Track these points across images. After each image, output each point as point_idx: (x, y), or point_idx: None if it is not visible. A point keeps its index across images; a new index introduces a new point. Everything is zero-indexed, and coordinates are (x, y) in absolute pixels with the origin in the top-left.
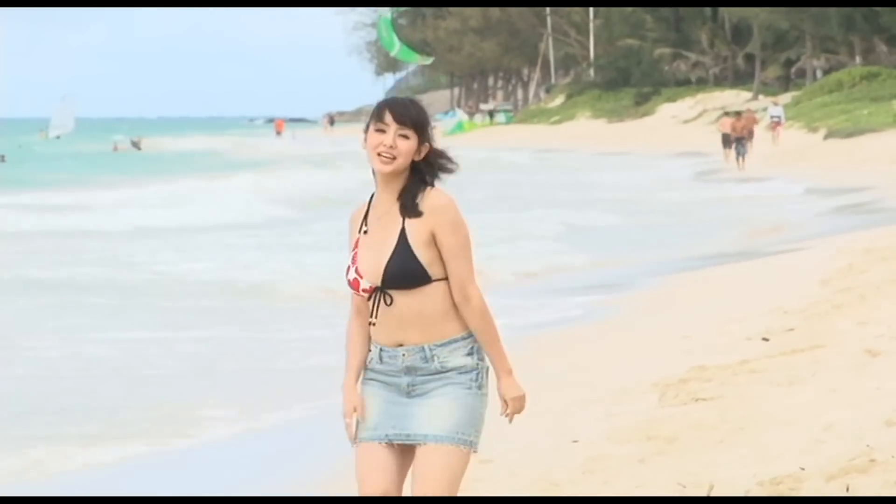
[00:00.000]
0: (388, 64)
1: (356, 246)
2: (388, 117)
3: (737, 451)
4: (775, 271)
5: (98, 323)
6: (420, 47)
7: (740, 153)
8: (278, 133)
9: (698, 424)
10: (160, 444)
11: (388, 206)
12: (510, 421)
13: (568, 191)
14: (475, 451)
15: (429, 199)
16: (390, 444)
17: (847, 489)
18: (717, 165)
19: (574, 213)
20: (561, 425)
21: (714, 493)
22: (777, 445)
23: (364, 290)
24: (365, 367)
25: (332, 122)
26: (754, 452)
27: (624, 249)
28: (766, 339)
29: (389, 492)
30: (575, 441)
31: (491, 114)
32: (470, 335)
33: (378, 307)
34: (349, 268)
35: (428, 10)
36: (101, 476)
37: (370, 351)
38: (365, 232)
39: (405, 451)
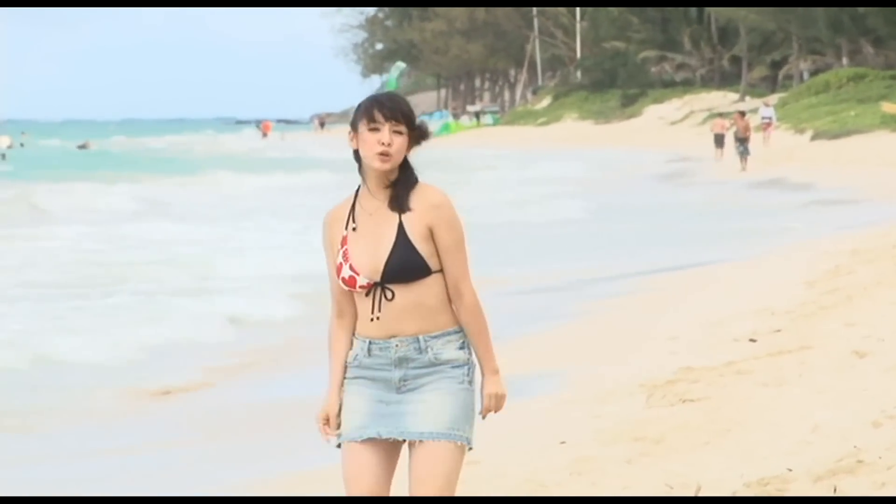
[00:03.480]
0: (374, 66)
1: (344, 243)
2: (380, 115)
3: (724, 451)
4: (762, 273)
5: None
6: (407, 48)
7: (742, 154)
8: (265, 135)
9: (685, 425)
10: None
11: (379, 202)
12: (483, 418)
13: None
14: (471, 448)
15: (425, 196)
16: (376, 443)
17: (834, 490)
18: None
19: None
20: (548, 426)
21: (701, 494)
22: (764, 446)
23: (361, 287)
24: (346, 365)
25: (322, 124)
26: (741, 453)
27: (607, 249)
28: (753, 341)
29: (377, 492)
30: (562, 442)
31: (478, 115)
32: (461, 329)
33: (379, 303)
34: (341, 265)
35: (414, 12)
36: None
37: (352, 348)
38: (354, 229)
39: (391, 450)
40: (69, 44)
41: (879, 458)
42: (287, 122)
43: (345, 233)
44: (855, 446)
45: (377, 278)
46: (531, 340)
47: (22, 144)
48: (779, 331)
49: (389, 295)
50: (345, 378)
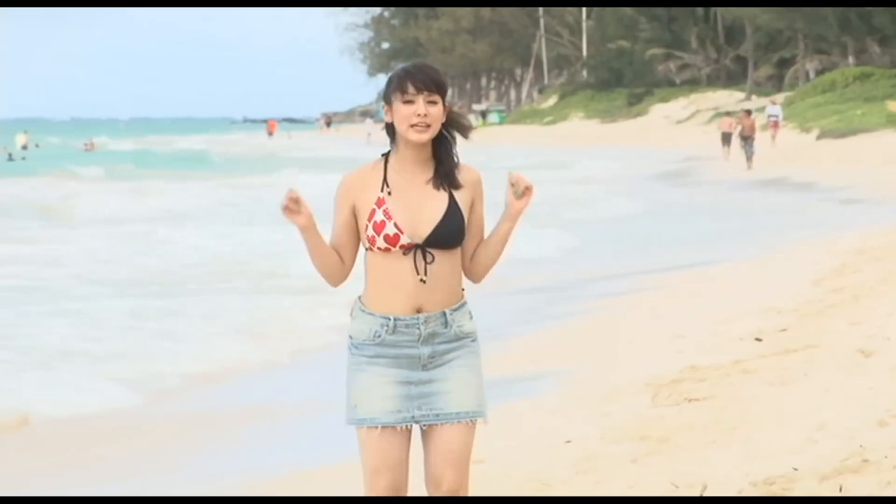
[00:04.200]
0: (380, 64)
1: (381, 203)
2: (412, 87)
3: (730, 451)
4: (768, 271)
5: None
6: (413, 47)
7: (748, 153)
8: (270, 134)
9: (691, 424)
10: None
11: (418, 171)
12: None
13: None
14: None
15: (468, 173)
16: (405, 429)
17: (840, 489)
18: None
19: (560, 211)
20: (553, 425)
21: (707, 493)
22: (770, 445)
23: (402, 246)
24: (361, 345)
25: (328, 122)
26: (747, 452)
27: (613, 248)
28: (758, 339)
29: (399, 490)
30: (567, 441)
31: (483, 114)
32: (466, 301)
33: (424, 264)
34: (384, 223)
35: (420, 11)
36: None
37: (374, 323)
38: (389, 193)
39: (409, 432)
40: (77, 43)
41: (885, 457)
42: (293, 121)
43: (381, 195)
44: (861, 445)
45: (419, 240)
46: (536, 339)
47: (37, 145)
48: (784, 330)
49: (431, 258)
50: (359, 357)
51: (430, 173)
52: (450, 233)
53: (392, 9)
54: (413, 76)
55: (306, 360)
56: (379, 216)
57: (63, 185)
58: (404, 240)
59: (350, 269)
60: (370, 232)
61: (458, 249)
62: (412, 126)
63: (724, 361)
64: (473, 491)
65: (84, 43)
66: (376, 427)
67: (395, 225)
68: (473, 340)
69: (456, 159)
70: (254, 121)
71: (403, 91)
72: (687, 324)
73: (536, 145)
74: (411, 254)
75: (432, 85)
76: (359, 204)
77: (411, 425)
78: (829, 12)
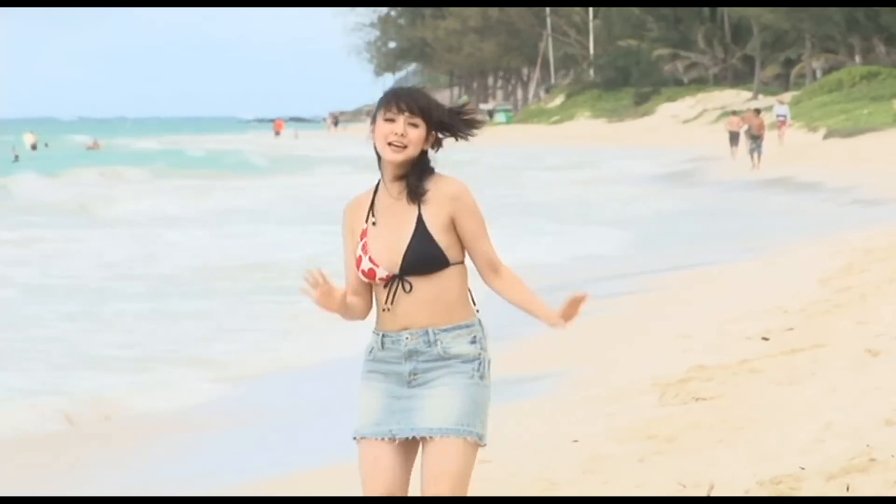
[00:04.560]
0: (387, 64)
1: (364, 236)
2: (396, 107)
3: (737, 450)
4: (775, 271)
5: None
6: (420, 47)
7: (756, 152)
8: (277, 133)
9: (698, 424)
10: None
11: (396, 195)
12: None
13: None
14: (483, 445)
15: (443, 186)
16: (393, 440)
17: (847, 489)
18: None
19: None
20: (560, 425)
21: (714, 493)
22: (777, 445)
23: (381, 279)
24: (365, 360)
25: (336, 122)
26: (754, 452)
27: (622, 248)
28: (765, 339)
29: (393, 491)
30: (575, 441)
31: (490, 113)
32: (473, 323)
33: (395, 294)
34: (360, 258)
35: (427, 10)
36: None
37: (372, 339)
38: (374, 223)
39: (409, 447)
40: (84, 43)
41: (892, 456)
42: (300, 120)
43: (364, 226)
44: (868, 445)
45: (396, 270)
46: (543, 339)
47: (46, 145)
48: (791, 329)
49: (408, 287)
50: (363, 371)
51: (405, 192)
52: (419, 260)
53: (399, 8)
54: (399, 97)
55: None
56: (359, 251)
57: (112, 184)
58: (381, 273)
59: (369, 303)
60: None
61: (455, 268)
62: (389, 144)
63: (731, 361)
64: (481, 491)
65: (89, 42)
66: (368, 440)
67: (370, 259)
68: (466, 362)
69: (430, 170)
70: (261, 120)
71: (387, 109)
72: (694, 323)
73: (545, 144)
74: (391, 284)
75: (416, 108)
76: (355, 230)
77: (408, 438)
78: (835, 11)
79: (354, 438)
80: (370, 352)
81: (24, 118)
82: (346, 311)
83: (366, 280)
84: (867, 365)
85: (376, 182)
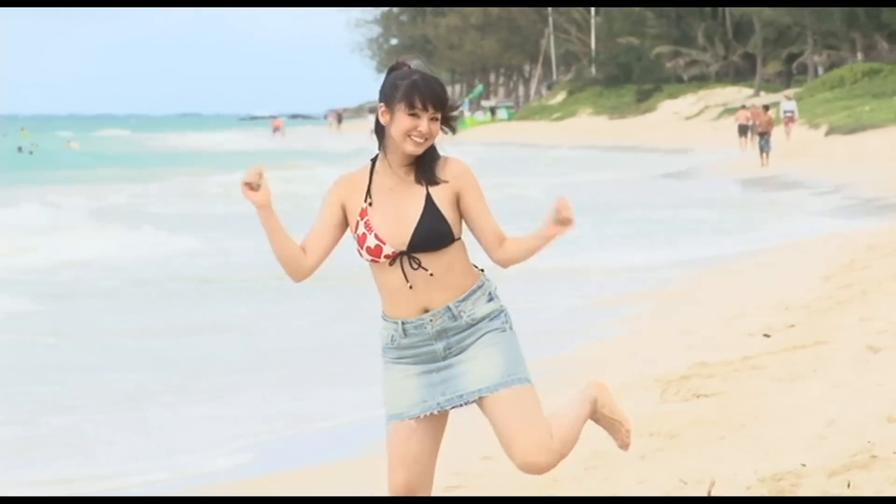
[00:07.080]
0: (389, 61)
1: (364, 215)
2: (420, 103)
3: (738, 447)
4: (777, 267)
5: None
6: (421, 44)
7: (764, 149)
8: (275, 131)
9: (700, 420)
10: None
11: (401, 176)
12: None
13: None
14: (532, 385)
15: (450, 167)
16: (430, 421)
17: (848, 486)
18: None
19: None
20: None
21: (715, 490)
22: (779, 442)
23: (387, 256)
24: (386, 349)
25: (339, 119)
26: (756, 449)
27: (615, 245)
28: (767, 336)
29: (423, 474)
30: None
31: (492, 110)
32: (483, 282)
33: (406, 273)
34: (365, 236)
35: (428, 8)
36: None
37: (388, 328)
38: (370, 204)
39: (439, 421)
40: (88, 42)
41: (894, 453)
42: (302, 116)
43: (363, 205)
44: (870, 441)
45: (403, 247)
46: (545, 336)
47: (31, 152)
48: (793, 326)
49: (415, 264)
50: (386, 359)
51: (413, 173)
52: (430, 235)
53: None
54: (421, 91)
55: None
56: (361, 229)
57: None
58: (387, 250)
59: (314, 266)
60: (356, 244)
61: (458, 244)
62: (413, 139)
63: (733, 357)
64: (483, 487)
65: (89, 42)
66: (402, 423)
67: (376, 236)
68: (492, 319)
69: (439, 154)
70: (255, 118)
71: (410, 104)
72: (696, 320)
73: (545, 141)
74: (398, 262)
75: (438, 103)
76: (349, 206)
77: (444, 413)
78: (836, 8)
79: (387, 424)
80: (391, 340)
81: (19, 115)
82: (282, 243)
83: (369, 259)
84: (869, 361)
85: (371, 163)
